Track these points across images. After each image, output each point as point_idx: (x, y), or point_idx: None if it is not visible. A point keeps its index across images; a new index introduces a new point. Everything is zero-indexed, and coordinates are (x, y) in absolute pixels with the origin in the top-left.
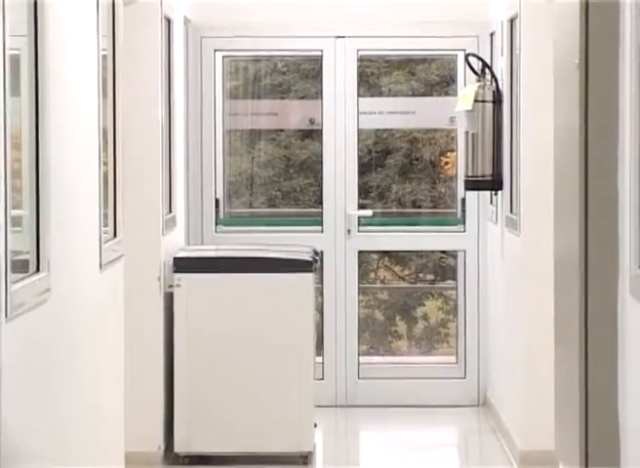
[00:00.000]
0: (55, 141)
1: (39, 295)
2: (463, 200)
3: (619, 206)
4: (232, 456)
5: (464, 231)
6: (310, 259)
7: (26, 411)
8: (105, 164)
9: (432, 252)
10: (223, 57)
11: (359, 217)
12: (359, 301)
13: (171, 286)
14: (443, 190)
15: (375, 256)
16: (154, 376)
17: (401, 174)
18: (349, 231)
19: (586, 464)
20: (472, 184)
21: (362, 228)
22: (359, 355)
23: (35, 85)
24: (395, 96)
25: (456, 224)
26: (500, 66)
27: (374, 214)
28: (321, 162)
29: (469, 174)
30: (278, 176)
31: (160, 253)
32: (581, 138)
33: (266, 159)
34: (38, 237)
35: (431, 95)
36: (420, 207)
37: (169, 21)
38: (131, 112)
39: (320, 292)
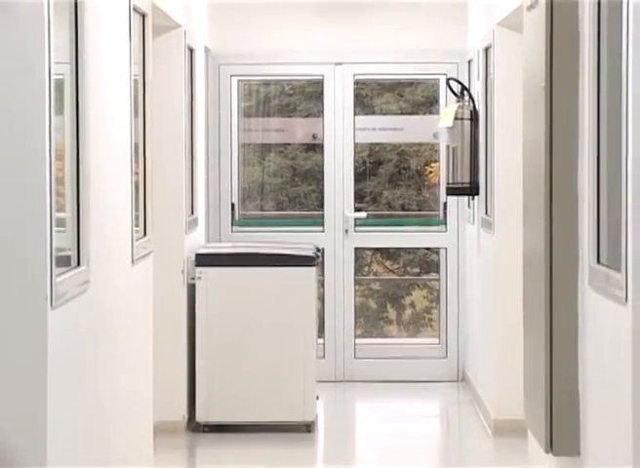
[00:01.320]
0: (93, 154)
1: (79, 286)
2: (445, 204)
3: (578, 209)
4: (245, 425)
5: (446, 231)
6: (313, 255)
7: (70, 386)
8: (136, 173)
9: (418, 248)
10: (238, 80)
11: (355, 219)
12: (355, 291)
13: (193, 278)
14: (427, 195)
15: (368, 252)
16: (179, 356)
17: (391, 181)
18: (347, 231)
19: (551, 430)
20: (452, 190)
21: (358, 228)
22: (355, 337)
23: (76, 105)
24: (386, 114)
25: (438, 225)
26: (477, 89)
27: (368, 216)
28: (322, 171)
29: (450, 181)
30: (285, 184)
31: (184, 249)
32: (546, 151)
33: (275, 169)
34: (79, 236)
35: (417, 113)
36: (407, 210)
37: (191, 51)
38: (158, 129)
39: (321, 283)
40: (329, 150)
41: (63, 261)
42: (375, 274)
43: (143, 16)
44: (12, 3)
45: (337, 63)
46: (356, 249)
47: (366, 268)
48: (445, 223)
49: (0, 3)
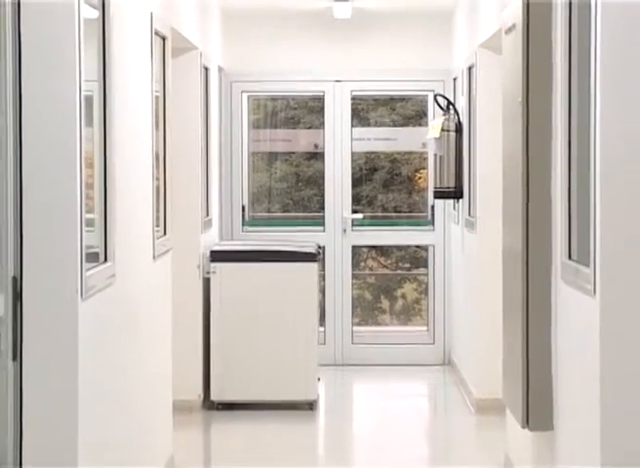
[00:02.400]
0: (118, 161)
1: (106, 280)
2: (433, 206)
3: (552, 211)
4: (254, 403)
5: (434, 230)
6: (315, 252)
7: (98, 368)
8: (157, 179)
9: (408, 246)
10: (248, 96)
11: (352, 220)
12: (352, 284)
13: (208, 272)
14: (417, 199)
15: (364, 250)
16: (195, 341)
17: (385, 186)
18: (345, 230)
19: (527, 408)
20: (439, 194)
21: (355, 228)
22: (352, 325)
23: (104, 118)
24: (380, 126)
25: (427, 225)
26: (461, 104)
27: (364, 217)
28: (323, 177)
29: (437, 186)
30: (290, 188)
31: (199, 247)
32: (523, 158)
33: (281, 175)
34: (106, 235)
35: (408, 125)
36: (399, 211)
37: (207, 70)
38: (177, 139)
39: (322, 277)
40: (329, 158)
41: (92, 257)
42: (370, 269)
43: (164, 38)
44: (48, 26)
45: (336, 81)
46: (353, 246)
47: (362, 264)
48: (432, 223)
49: (38, 27)
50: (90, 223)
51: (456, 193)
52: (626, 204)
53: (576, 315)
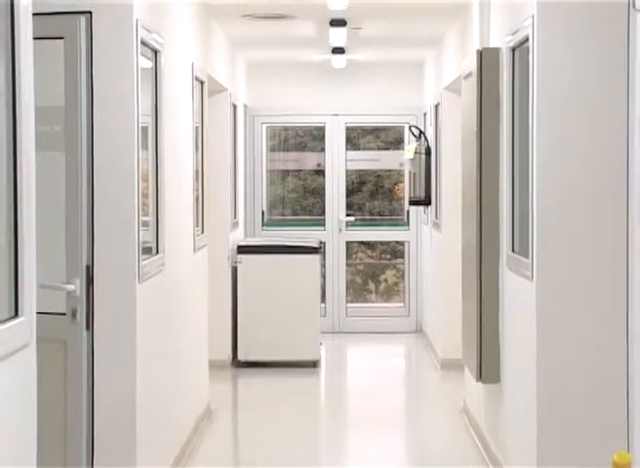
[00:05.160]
0: (167, 177)
1: (158, 268)
2: (408, 211)
3: (499, 215)
4: (271, 362)
5: (409, 229)
6: (318, 246)
7: (151, 335)
8: (196, 190)
9: (389, 241)
10: (266, 126)
11: (346, 221)
12: (346, 271)
13: (235, 262)
14: (396, 205)
15: (355, 244)
16: (225, 315)
17: (371, 195)
18: (340, 229)
19: (480, 366)
20: (413, 202)
21: (348, 228)
22: (346, 302)
23: (156, 144)
24: (368, 150)
25: (403, 225)
26: (430, 133)
27: (355, 220)
28: (324, 189)
29: (411, 196)
30: (299, 197)
31: (229, 242)
32: (477, 175)
33: (292, 187)
34: (157, 233)
35: (389, 149)
36: (382, 215)
37: (234, 106)
38: (212, 160)
39: (323, 265)
40: (328, 174)
41: (147, 251)
42: (360, 259)
43: (202, 82)
44: (114, 74)
45: (334, 115)
46: (347, 242)
47: (354, 255)
48: (408, 224)
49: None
50: (145, 224)
51: (425, 201)
52: (557, 209)
53: (518, 295)
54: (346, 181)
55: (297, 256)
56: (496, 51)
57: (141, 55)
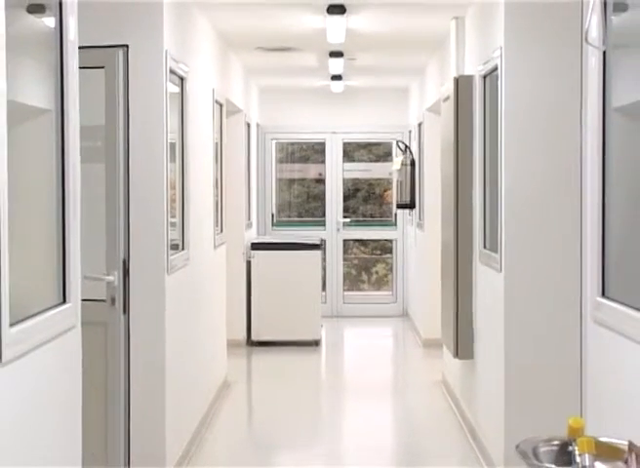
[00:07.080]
0: (192, 185)
1: (183, 262)
2: (396, 214)
3: (473, 216)
4: (279, 341)
5: (396, 229)
6: (319, 243)
7: (178, 319)
8: (216, 196)
9: (380, 239)
10: (275, 142)
11: (343, 222)
12: (343, 264)
13: (249, 257)
14: (385, 209)
15: (351, 242)
16: (241, 300)
17: (364, 200)
18: (338, 229)
19: (457, 344)
20: (400, 206)
21: (345, 228)
22: (343, 291)
23: (182, 157)
24: (361, 162)
25: (392, 226)
26: (414, 147)
27: (351, 221)
28: (324, 195)
29: (398, 201)
30: (303, 202)
31: (244, 240)
32: (454, 183)
33: (297, 193)
34: (183, 232)
35: (379, 161)
36: (373, 217)
37: (248, 125)
38: (229, 171)
39: (324, 259)
40: (328, 183)
41: (174, 247)
42: (354, 254)
43: (221, 105)
44: (146, 98)
45: (332, 132)
46: (344, 240)
47: (349, 251)
48: (395, 225)
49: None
50: (173, 225)
51: (410, 205)
52: (522, 211)
53: (488, 284)
54: (343, 188)
55: (301, 252)
56: (470, 78)
57: (170, 81)
